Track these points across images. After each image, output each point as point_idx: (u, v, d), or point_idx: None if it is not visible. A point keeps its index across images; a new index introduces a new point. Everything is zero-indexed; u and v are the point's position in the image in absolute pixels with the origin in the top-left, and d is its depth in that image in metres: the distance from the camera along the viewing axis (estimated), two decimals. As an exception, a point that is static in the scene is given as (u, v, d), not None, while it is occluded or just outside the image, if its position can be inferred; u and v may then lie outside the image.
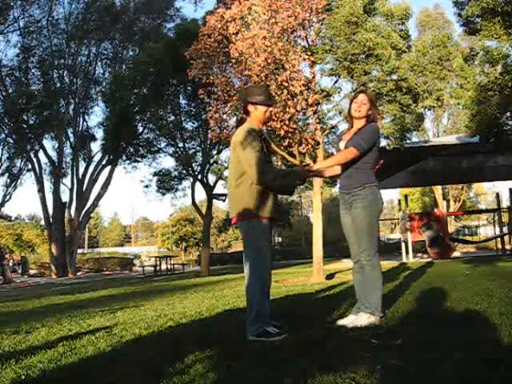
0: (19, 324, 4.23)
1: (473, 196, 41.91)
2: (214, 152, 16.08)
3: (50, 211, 22.82)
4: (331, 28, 8.50)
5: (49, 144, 58.64)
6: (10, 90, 22.17)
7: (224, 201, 17.45)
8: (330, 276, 8.49)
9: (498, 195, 16.68)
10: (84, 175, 23.40)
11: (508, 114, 9.77)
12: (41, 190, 22.77)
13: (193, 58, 9.51)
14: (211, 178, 16.18)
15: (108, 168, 22.90)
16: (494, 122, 9.51)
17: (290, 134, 8.39)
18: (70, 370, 2.42)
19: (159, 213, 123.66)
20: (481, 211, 30.26)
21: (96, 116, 75.82)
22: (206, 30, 9.33)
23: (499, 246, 15.19)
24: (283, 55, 8.06)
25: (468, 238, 23.86)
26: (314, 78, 8.81)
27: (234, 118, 9.50)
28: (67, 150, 23.64)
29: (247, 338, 2.86)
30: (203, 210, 16.67)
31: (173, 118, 15.73)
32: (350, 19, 8.27)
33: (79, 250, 33.04)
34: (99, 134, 35.18)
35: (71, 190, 23.07)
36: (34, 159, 22.89)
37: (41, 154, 23.05)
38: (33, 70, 22.76)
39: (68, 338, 3.33)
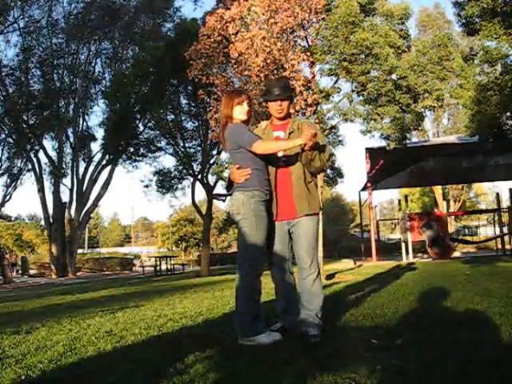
0: (19, 324, 4.22)
1: (473, 196, 41.91)
2: (214, 152, 16.09)
3: (50, 211, 22.82)
4: (329, 28, 8.52)
5: (49, 144, 58.72)
6: (10, 90, 22.18)
7: (224, 201, 17.43)
8: (329, 276, 8.49)
9: (498, 195, 16.69)
10: (84, 175, 23.39)
11: (508, 113, 9.78)
12: (41, 190, 22.77)
13: (192, 59, 9.52)
14: (211, 178, 16.19)
15: (108, 168, 22.91)
16: (494, 121, 9.52)
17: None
18: (69, 370, 2.42)
19: (159, 213, 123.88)
20: (481, 211, 30.25)
21: (96, 116, 76.05)
22: (205, 30, 9.34)
23: (499, 246, 15.20)
24: (282, 55, 8.07)
25: (468, 238, 23.84)
26: (313, 78, 8.82)
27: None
28: (67, 150, 23.66)
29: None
30: (203, 210, 16.67)
31: (173, 117, 15.75)
32: (347, 19, 8.28)
33: (79, 250, 33.05)
34: (99, 133, 35.08)
35: (71, 190, 23.07)
36: (34, 159, 22.90)
37: (41, 154, 23.08)
38: (33, 70, 22.76)
39: (68, 338, 3.33)
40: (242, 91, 3.43)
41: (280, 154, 3.00)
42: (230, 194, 3.02)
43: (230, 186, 3.04)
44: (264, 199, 2.89)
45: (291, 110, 3.27)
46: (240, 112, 3.01)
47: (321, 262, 8.51)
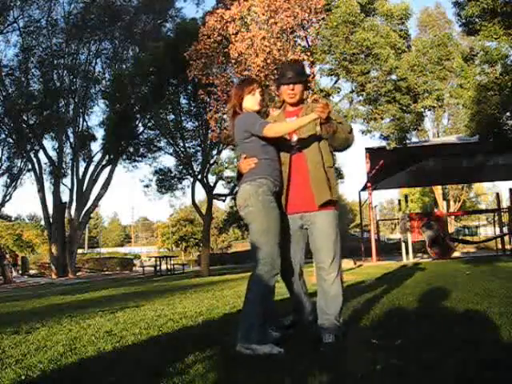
0: (19, 324, 4.22)
1: (473, 196, 41.92)
2: (214, 152, 16.10)
3: (50, 211, 22.82)
4: (329, 28, 8.52)
5: (49, 144, 58.64)
6: (10, 90, 22.17)
7: (224, 201, 17.43)
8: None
9: (498, 195, 16.67)
10: (84, 175, 23.39)
11: (508, 113, 9.78)
12: (41, 190, 22.77)
13: (192, 59, 9.52)
14: (211, 178, 16.20)
15: (108, 168, 22.91)
16: (494, 121, 9.52)
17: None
18: (69, 370, 2.42)
19: (159, 213, 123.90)
20: (481, 211, 30.24)
21: (96, 116, 76.10)
22: (205, 30, 9.34)
23: (499, 246, 15.19)
24: (282, 55, 8.07)
25: (468, 238, 23.83)
26: (313, 77, 8.82)
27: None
28: (67, 150, 23.67)
29: None
30: (203, 210, 16.67)
31: (173, 117, 15.76)
32: (347, 19, 8.29)
33: (79, 250, 33.03)
34: (99, 133, 35.07)
35: (71, 190, 23.07)
36: (34, 159, 22.90)
37: (41, 154, 23.09)
38: (33, 70, 22.77)
39: (68, 338, 3.33)
40: (253, 79, 3.10)
41: (295, 139, 2.76)
42: (232, 194, 2.93)
43: (240, 178, 2.83)
44: (273, 190, 2.63)
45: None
46: (251, 102, 2.77)
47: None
